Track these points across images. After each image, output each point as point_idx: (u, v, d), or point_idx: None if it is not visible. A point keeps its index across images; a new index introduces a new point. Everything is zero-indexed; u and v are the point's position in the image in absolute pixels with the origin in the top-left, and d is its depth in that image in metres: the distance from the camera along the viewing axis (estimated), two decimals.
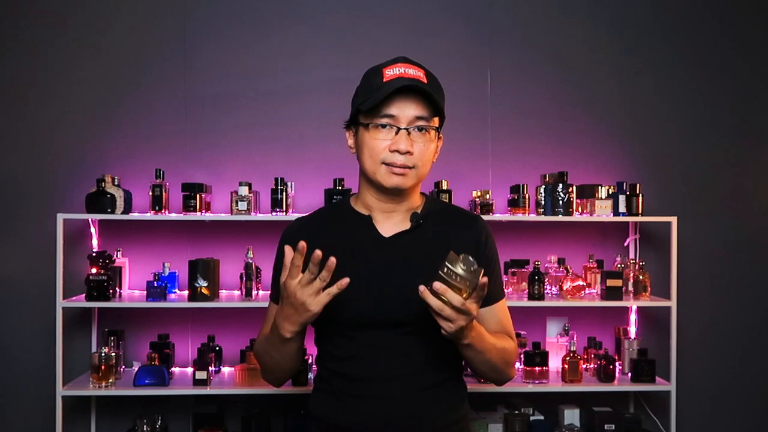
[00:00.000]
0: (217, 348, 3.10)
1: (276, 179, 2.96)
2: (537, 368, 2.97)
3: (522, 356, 2.98)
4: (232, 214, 2.93)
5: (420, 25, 3.31)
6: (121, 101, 3.21)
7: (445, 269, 1.32)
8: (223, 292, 3.09)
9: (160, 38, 3.23)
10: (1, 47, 3.17)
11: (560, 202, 3.02)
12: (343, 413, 1.54)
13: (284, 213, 2.95)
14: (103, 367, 2.84)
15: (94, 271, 2.87)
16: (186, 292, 2.96)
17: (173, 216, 2.97)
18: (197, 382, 2.87)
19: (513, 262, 3.13)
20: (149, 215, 2.95)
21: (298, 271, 1.37)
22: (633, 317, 3.24)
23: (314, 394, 1.64)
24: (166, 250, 3.16)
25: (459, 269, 1.31)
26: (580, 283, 3.00)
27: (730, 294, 3.37)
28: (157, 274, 2.98)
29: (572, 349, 3.00)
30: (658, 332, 3.24)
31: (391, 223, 1.59)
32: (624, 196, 3.06)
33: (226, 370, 3.13)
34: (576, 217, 3.06)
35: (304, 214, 1.74)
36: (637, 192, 3.07)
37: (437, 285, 1.31)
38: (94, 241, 3.08)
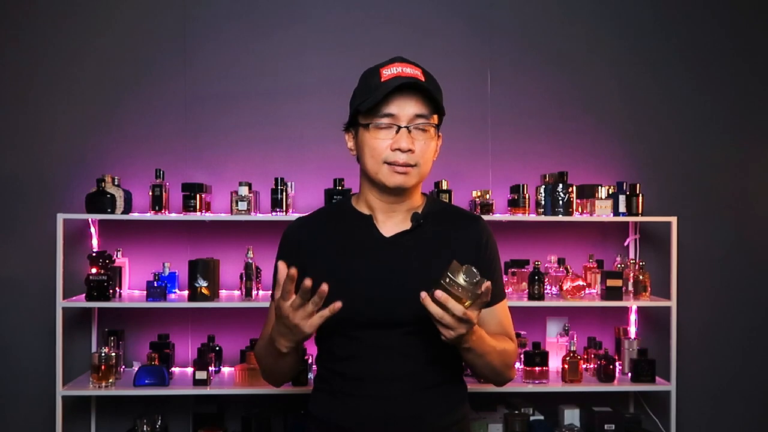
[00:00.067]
0: (217, 348, 3.10)
1: (276, 179, 2.96)
2: (537, 368, 2.97)
3: (522, 356, 2.98)
4: (232, 214, 2.93)
5: (420, 25, 3.31)
6: (121, 101, 3.21)
7: (447, 279, 1.31)
8: (223, 292, 3.09)
9: (160, 38, 3.23)
10: (0, 47, 3.17)
11: (560, 202, 3.02)
12: (343, 413, 1.54)
13: (284, 213, 2.95)
14: (103, 367, 2.84)
15: (94, 271, 2.87)
16: (186, 292, 2.96)
17: (173, 216, 2.97)
18: (197, 382, 2.87)
19: (513, 262, 3.13)
20: (149, 215, 2.95)
21: (291, 294, 1.36)
22: (633, 317, 3.24)
23: (314, 393, 1.64)
24: (166, 250, 3.16)
25: (461, 280, 1.31)
26: (580, 283, 3.00)
27: (730, 294, 3.37)
28: (157, 274, 2.98)
29: (572, 349, 3.00)
30: (658, 332, 3.24)
31: (392, 223, 1.59)
32: (624, 196, 3.06)
33: (226, 370, 3.13)
34: (576, 217, 3.06)
35: (304, 214, 1.74)
36: (637, 192, 3.07)
37: (439, 294, 1.31)
38: (94, 241, 3.07)
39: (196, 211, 2.93)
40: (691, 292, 3.29)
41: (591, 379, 3.05)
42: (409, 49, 3.20)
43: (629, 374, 3.06)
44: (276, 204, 2.95)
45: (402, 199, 1.58)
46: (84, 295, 2.91)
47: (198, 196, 2.93)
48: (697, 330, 3.33)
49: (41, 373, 3.05)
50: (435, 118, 1.55)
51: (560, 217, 3.03)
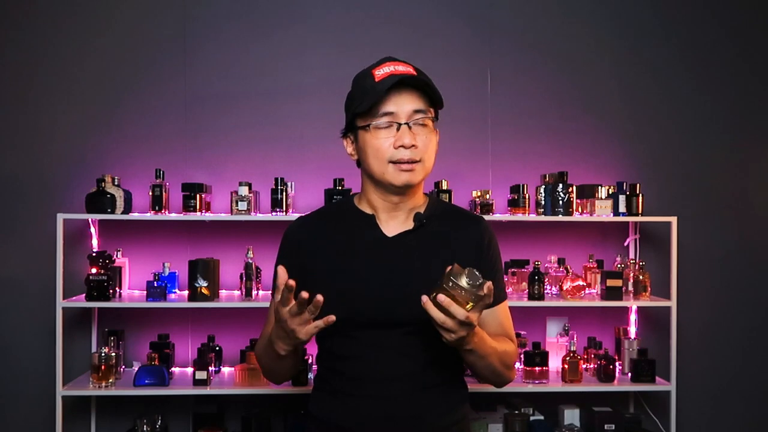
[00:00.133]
0: (217, 348, 3.10)
1: (276, 179, 2.96)
2: (537, 368, 2.97)
3: (522, 356, 2.98)
4: (232, 214, 2.93)
5: (420, 25, 3.31)
6: (121, 101, 3.21)
7: (450, 283, 1.31)
8: (223, 292, 3.09)
9: (160, 38, 3.23)
10: (0, 47, 3.17)
11: (560, 202, 3.02)
12: (343, 413, 1.54)
13: (284, 213, 2.95)
14: (103, 367, 2.84)
15: (94, 271, 2.87)
16: (186, 292, 2.96)
17: (173, 216, 2.97)
18: (197, 382, 2.87)
19: (513, 262, 3.13)
20: (149, 215, 2.95)
21: (290, 300, 1.37)
22: (633, 317, 3.24)
23: (314, 393, 1.64)
24: (166, 250, 3.16)
25: (464, 283, 1.31)
26: (580, 283, 3.00)
27: (730, 294, 3.37)
28: (157, 274, 2.98)
29: (572, 349, 3.00)
30: (658, 332, 3.24)
31: (394, 222, 1.59)
32: (624, 196, 3.06)
33: (226, 370, 3.13)
34: (576, 217, 3.06)
35: (304, 214, 1.73)
36: (637, 192, 3.07)
37: (441, 298, 1.30)
38: (94, 241, 3.07)
39: (196, 211, 2.93)
40: (691, 292, 3.29)
41: (591, 379, 3.05)
42: (409, 49, 3.22)
43: (629, 374, 3.06)
44: (276, 204, 2.95)
45: (405, 198, 1.58)
46: (84, 295, 2.91)
47: (198, 196, 2.93)
48: (697, 330, 3.33)
49: (41, 373, 3.05)
50: (432, 112, 1.55)
51: (560, 217, 3.03)
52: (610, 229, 3.31)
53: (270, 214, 2.96)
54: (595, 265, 3.18)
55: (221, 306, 2.93)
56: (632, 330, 3.22)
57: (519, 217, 3.04)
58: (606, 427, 3.00)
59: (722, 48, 3.40)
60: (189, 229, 3.19)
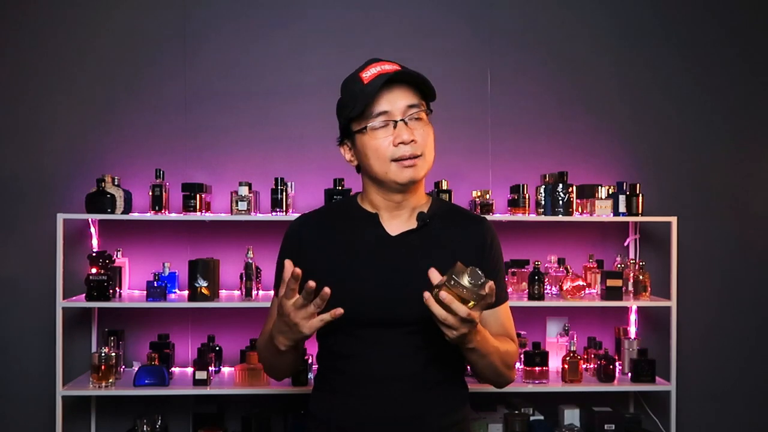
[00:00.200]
0: (217, 348, 3.10)
1: (276, 179, 2.96)
2: (537, 368, 2.97)
3: (522, 356, 2.98)
4: (232, 214, 2.93)
5: (420, 25, 3.31)
6: (121, 101, 3.21)
7: (452, 281, 1.31)
8: (223, 292, 3.09)
9: (159, 38, 3.23)
10: (0, 47, 3.17)
11: (560, 202, 3.02)
12: (343, 413, 1.54)
13: (284, 213, 2.95)
14: (103, 367, 2.84)
15: (94, 271, 2.87)
16: (186, 292, 2.96)
17: (173, 216, 2.97)
18: (197, 382, 2.87)
19: (513, 262, 3.12)
20: (149, 215, 2.95)
21: (294, 293, 1.37)
22: (633, 317, 3.24)
23: (314, 393, 1.64)
24: (166, 250, 3.16)
25: (466, 281, 1.31)
26: (580, 283, 3.00)
27: (730, 294, 3.37)
28: (157, 274, 2.98)
29: (572, 349, 3.00)
30: (658, 332, 3.24)
31: (397, 222, 1.59)
32: (624, 196, 3.06)
33: (226, 370, 3.13)
34: (576, 217, 3.06)
35: (307, 212, 1.73)
36: (637, 192, 3.07)
37: (443, 295, 1.31)
38: (94, 241, 3.07)
39: (196, 211, 2.93)
40: (691, 292, 3.29)
41: (591, 379, 3.05)
42: (409, 49, 3.23)
43: (629, 374, 3.06)
44: (276, 204, 2.95)
45: (408, 196, 1.57)
46: (84, 295, 2.91)
47: (198, 196, 2.93)
48: (697, 330, 3.33)
49: (41, 373, 3.05)
50: (425, 105, 1.55)
51: (560, 217, 3.03)
52: (610, 229, 3.31)
53: (270, 214, 2.96)
54: (595, 265, 3.18)
55: (221, 306, 2.93)
56: (632, 330, 3.22)
57: (519, 217, 3.04)
58: (606, 427, 3.00)
59: (722, 48, 3.40)
60: (189, 229, 3.19)
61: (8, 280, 3.13)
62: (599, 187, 3.07)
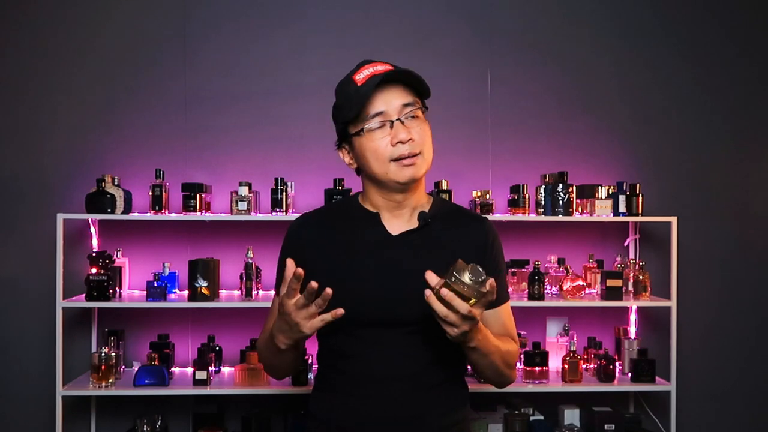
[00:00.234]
0: (217, 348, 3.10)
1: (276, 179, 2.96)
2: (537, 368, 2.97)
3: (522, 356, 2.98)
4: (232, 214, 2.93)
5: (420, 25, 3.31)
6: (121, 101, 3.21)
7: (453, 277, 1.31)
8: (223, 292, 3.09)
9: (160, 38, 3.23)
10: (0, 47, 3.17)
11: (560, 202, 3.02)
12: (343, 413, 1.54)
13: (284, 213, 2.95)
14: (103, 367, 2.84)
15: (94, 271, 2.87)
16: (186, 292, 2.96)
17: (173, 216, 2.97)
18: (197, 382, 2.87)
19: (513, 262, 3.12)
20: (149, 215, 2.95)
21: (296, 293, 1.37)
22: (633, 317, 3.24)
23: (314, 393, 1.64)
24: (166, 250, 3.16)
25: (467, 278, 1.31)
26: (580, 283, 3.00)
27: (730, 294, 3.37)
28: (157, 274, 2.98)
29: (572, 349, 3.00)
30: (658, 332, 3.24)
31: (398, 221, 1.59)
32: (624, 196, 3.06)
33: (226, 370, 3.13)
34: (576, 217, 3.06)
35: (308, 212, 1.73)
36: (637, 192, 3.07)
37: (444, 292, 1.31)
38: (94, 241, 3.07)
39: (196, 211, 2.93)
40: (691, 292, 3.29)
41: (591, 379, 3.05)
42: (409, 49, 3.23)
43: (629, 374, 3.06)
44: (276, 204, 2.95)
45: (409, 195, 1.57)
46: (84, 295, 2.91)
47: (198, 196, 2.93)
48: (697, 330, 3.33)
49: (41, 373, 3.05)
50: (420, 102, 1.55)
51: (560, 217, 3.03)
52: (610, 229, 3.31)
53: (270, 214, 2.96)
54: (595, 265, 3.18)
55: (221, 306, 2.93)
56: (632, 330, 3.22)
57: (519, 217, 3.04)
58: (606, 427, 3.00)
59: (722, 48, 3.40)
60: (189, 229, 3.19)
61: (8, 280, 3.13)
62: (599, 187, 3.07)
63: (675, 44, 3.39)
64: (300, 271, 1.35)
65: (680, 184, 3.36)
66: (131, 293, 3.11)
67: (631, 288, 3.07)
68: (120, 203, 2.91)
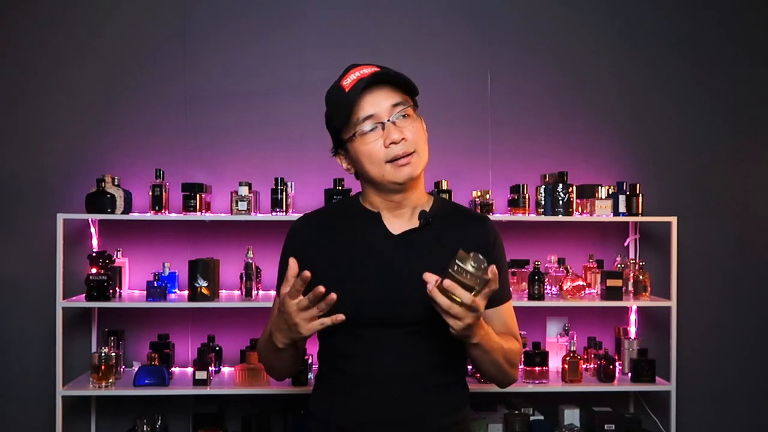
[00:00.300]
0: (217, 348, 3.10)
1: (276, 179, 2.96)
2: (537, 368, 2.97)
3: (522, 356, 2.98)
4: (232, 214, 2.93)
5: (420, 25, 3.31)
6: (120, 101, 3.21)
7: (455, 267, 1.31)
8: (223, 292, 3.09)
9: (160, 38, 3.23)
10: (0, 47, 3.17)
11: (560, 202, 3.02)
12: (343, 413, 1.54)
13: (284, 213, 2.95)
14: (103, 367, 2.84)
15: (94, 271, 2.87)
16: (186, 292, 2.96)
17: (173, 216, 2.97)
18: (197, 382, 2.87)
19: (513, 262, 3.12)
20: (149, 215, 2.95)
21: (299, 294, 1.37)
22: (633, 317, 3.24)
23: (315, 393, 1.64)
24: (166, 250, 3.16)
25: (469, 267, 1.31)
26: (580, 283, 3.00)
27: (730, 294, 3.37)
28: (157, 274, 2.98)
29: (572, 349, 3.00)
30: (658, 332, 3.24)
31: (399, 221, 1.59)
32: (624, 196, 3.06)
33: (226, 370, 3.13)
34: (576, 217, 3.06)
35: (308, 212, 1.73)
36: (637, 192, 3.07)
37: (447, 283, 1.31)
38: (94, 241, 3.07)
39: (196, 211, 2.94)
40: (691, 292, 3.29)
41: (591, 379, 3.05)
42: (409, 49, 3.22)
43: (629, 374, 3.06)
44: (276, 204, 2.95)
45: (408, 194, 1.57)
46: (84, 295, 2.91)
47: (198, 196, 2.93)
48: (697, 330, 3.33)
49: (41, 373, 3.05)
50: (410, 101, 1.55)
51: (560, 217, 3.03)
52: (610, 229, 3.31)
53: (270, 214, 2.96)
54: (595, 265, 3.18)
55: (221, 306, 2.93)
56: (632, 330, 3.22)
57: (519, 217, 3.04)
58: (606, 427, 3.00)
59: (722, 48, 3.40)
60: (189, 229, 3.19)
61: (8, 280, 3.13)
62: (599, 187, 3.07)
63: (675, 44, 3.39)
64: (307, 273, 1.35)
65: (680, 184, 3.36)
66: (131, 293, 3.11)
67: (631, 288, 3.07)
68: (120, 203, 2.91)
